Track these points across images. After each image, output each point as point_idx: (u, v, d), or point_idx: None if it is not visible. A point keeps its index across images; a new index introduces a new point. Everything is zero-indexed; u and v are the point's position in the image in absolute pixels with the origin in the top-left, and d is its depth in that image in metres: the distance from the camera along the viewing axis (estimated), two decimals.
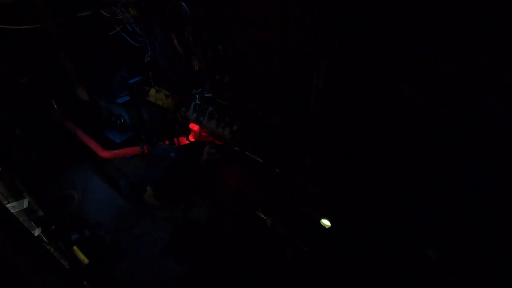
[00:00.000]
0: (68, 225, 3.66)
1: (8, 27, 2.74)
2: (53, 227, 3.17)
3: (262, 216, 3.31)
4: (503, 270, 2.28)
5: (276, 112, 3.10)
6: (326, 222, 2.94)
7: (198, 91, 3.64)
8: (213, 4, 3.17)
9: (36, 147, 4.11)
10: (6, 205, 2.65)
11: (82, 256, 3.29)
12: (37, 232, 2.87)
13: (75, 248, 3.33)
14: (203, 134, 3.83)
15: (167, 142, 4.30)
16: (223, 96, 3.38)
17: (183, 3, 2.96)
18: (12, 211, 2.49)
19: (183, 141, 4.17)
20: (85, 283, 2.57)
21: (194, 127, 3.81)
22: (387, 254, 2.80)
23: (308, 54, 2.73)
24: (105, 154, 4.58)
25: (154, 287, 3.27)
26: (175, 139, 4.27)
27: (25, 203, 2.83)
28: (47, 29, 4.22)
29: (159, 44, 3.39)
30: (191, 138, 4.02)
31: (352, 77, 2.51)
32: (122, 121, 4.80)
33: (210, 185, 4.29)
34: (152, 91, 3.98)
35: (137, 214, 4.01)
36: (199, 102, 3.61)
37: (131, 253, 3.56)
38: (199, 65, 3.41)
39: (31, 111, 4.58)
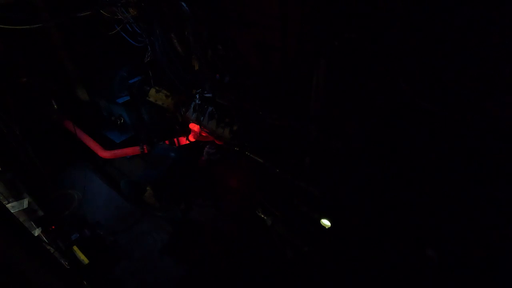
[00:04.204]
0: (68, 225, 3.65)
1: (8, 27, 2.74)
2: (53, 227, 3.17)
3: (262, 216, 3.31)
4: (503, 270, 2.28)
5: (276, 112, 3.10)
6: (326, 222, 2.94)
7: (198, 91, 3.64)
8: (213, 4, 3.17)
9: (36, 147, 4.11)
10: (6, 205, 2.64)
11: (82, 256, 3.28)
12: (37, 232, 2.87)
13: (75, 248, 3.33)
14: (203, 134, 3.83)
15: (167, 142, 4.29)
16: (223, 96, 3.38)
17: (183, 3, 2.96)
18: (12, 211, 2.48)
19: (183, 141, 4.17)
20: (85, 283, 2.57)
21: (194, 127, 3.81)
22: (387, 254, 2.80)
23: (308, 54, 2.73)
24: (105, 154, 4.58)
25: (154, 286, 3.27)
26: (175, 139, 4.27)
27: (25, 203, 2.82)
28: (47, 29, 4.24)
29: (159, 44, 3.39)
30: (191, 138, 4.02)
31: (352, 77, 2.51)
32: (122, 121, 4.80)
33: (210, 185, 4.29)
34: (152, 91, 3.98)
35: (137, 214, 4.01)
36: (199, 102, 3.60)
37: (131, 253, 3.56)
38: (199, 65, 3.41)
39: (31, 111, 4.58)
